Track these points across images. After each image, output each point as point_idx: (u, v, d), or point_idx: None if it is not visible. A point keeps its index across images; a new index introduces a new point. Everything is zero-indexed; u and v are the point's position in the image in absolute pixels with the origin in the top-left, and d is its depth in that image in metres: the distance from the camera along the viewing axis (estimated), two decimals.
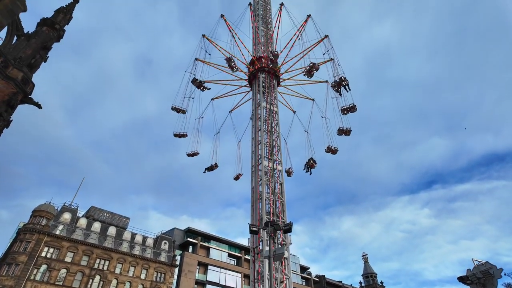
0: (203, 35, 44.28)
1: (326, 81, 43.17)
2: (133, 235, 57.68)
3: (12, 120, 19.19)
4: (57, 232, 48.67)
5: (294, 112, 45.87)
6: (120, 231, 56.72)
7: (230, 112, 46.92)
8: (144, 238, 58.46)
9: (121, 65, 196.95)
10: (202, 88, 41.98)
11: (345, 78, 38.62)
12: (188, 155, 45.43)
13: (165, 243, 59.66)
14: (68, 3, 24.18)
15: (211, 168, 45.23)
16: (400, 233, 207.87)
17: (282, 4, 45.81)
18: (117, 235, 55.49)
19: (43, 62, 21.86)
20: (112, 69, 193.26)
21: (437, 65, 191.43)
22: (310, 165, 39.54)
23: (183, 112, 43.44)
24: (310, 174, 39.54)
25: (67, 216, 51.98)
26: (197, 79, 41.40)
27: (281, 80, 42.76)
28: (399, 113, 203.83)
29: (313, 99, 45.21)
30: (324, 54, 41.94)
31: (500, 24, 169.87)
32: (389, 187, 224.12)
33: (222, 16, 45.51)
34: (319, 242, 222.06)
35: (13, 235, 55.37)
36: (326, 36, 42.60)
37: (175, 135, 44.09)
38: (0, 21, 15.80)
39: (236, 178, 46.64)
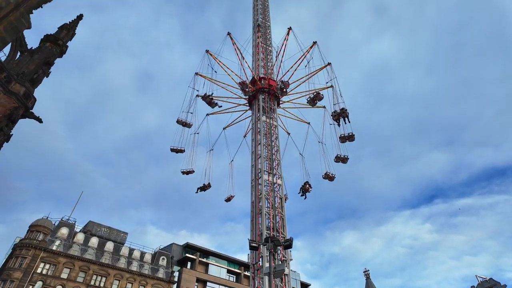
0: (207, 51, 44.66)
1: (324, 107, 43.07)
2: (131, 251, 56.79)
3: (12, 134, 19.25)
4: (54, 248, 47.91)
5: (289, 134, 45.05)
6: (118, 247, 55.87)
7: (224, 128, 46.32)
8: (142, 254, 57.54)
9: (123, 80, 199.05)
10: (212, 104, 41.22)
11: (346, 110, 38.44)
12: (183, 173, 43.38)
13: (163, 258, 58.68)
14: (72, 20, 24.69)
15: (203, 188, 43.02)
16: (402, 249, 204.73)
17: (290, 28, 45.22)
18: (114, 251, 54.62)
19: (45, 77, 22.14)
20: (114, 84, 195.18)
21: (436, 79, 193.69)
22: (305, 189, 38.42)
23: (189, 126, 42.87)
24: (305, 199, 38.41)
25: (64, 231, 51.31)
26: (209, 95, 40.69)
27: (281, 102, 42.65)
28: (398, 127, 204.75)
29: (308, 123, 44.84)
30: (327, 82, 41.79)
31: (496, 40, 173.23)
32: (390, 202, 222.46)
33: (228, 34, 45.72)
34: (320, 257, 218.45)
35: (9, 250, 54.49)
36: (329, 64, 42.48)
37: (172, 150, 42.54)
38: (5, 38, 16.09)
39: (228, 200, 44.71)
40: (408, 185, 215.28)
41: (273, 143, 37.91)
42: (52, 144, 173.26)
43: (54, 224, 51.28)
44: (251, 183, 36.12)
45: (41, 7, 19.10)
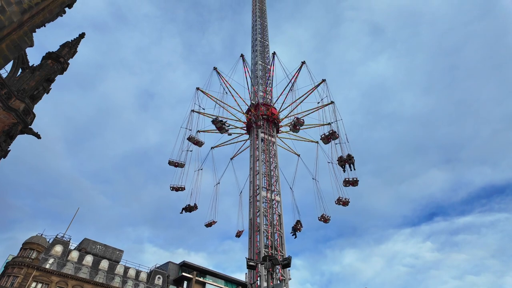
0: (215, 68, 45.35)
1: (317, 142, 43.00)
2: (126, 269, 55.46)
3: (10, 150, 19.19)
4: (47, 266, 46.74)
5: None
6: (113, 265, 54.59)
7: (212, 148, 45.99)
8: (138, 272, 56.17)
9: (124, 98, 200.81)
10: (223, 130, 40.49)
11: (352, 157, 37.75)
12: (172, 188, 41.77)
13: (159, 277, 57.27)
14: (74, 38, 25.17)
15: (189, 209, 41.26)
16: (403, 268, 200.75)
17: (303, 62, 45.21)
18: (109, 269, 53.33)
19: (46, 94, 22.32)
20: (115, 102, 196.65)
21: (432, 99, 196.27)
22: (296, 228, 37.38)
23: (200, 144, 42.50)
24: (295, 238, 37.32)
25: (58, 248, 50.22)
26: (221, 120, 40.17)
27: (280, 132, 42.65)
28: (397, 146, 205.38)
29: (298, 155, 44.57)
30: (332, 123, 41.54)
31: (490, 62, 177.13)
32: (390, 220, 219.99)
33: (241, 56, 46.28)
34: (320, 277, 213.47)
35: (0, 269, 53.07)
36: (332, 102, 42.74)
37: (171, 163, 41.28)
38: (7, 55, 16.34)
39: (209, 225, 43.21)
40: (408, 203, 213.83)
41: (271, 159, 37.87)
42: (51, 161, 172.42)
43: (49, 242, 50.23)
44: (249, 199, 35.80)
45: (44, 26, 19.49)
